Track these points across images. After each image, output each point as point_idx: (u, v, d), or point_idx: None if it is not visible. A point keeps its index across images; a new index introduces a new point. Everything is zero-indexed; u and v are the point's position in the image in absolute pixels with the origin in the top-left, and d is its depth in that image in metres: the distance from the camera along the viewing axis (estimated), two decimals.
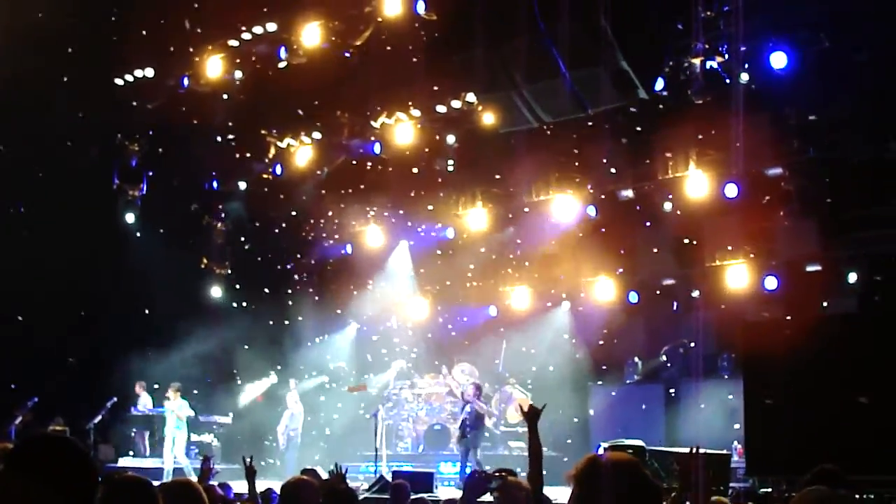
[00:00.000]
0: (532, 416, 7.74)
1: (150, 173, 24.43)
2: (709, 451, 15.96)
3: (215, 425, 24.01)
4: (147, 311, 23.26)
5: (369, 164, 24.21)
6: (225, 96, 22.55)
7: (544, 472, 7.63)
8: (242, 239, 26.28)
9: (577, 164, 22.33)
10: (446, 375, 22.76)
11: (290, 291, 26.45)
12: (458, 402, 21.73)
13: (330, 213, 26.00)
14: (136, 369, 23.68)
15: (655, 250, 22.00)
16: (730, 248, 20.68)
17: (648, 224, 21.97)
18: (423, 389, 24.71)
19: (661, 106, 19.57)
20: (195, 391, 23.88)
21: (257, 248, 26.23)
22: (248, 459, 8.30)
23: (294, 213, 26.03)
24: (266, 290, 25.71)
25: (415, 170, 23.69)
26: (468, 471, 18.58)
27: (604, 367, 23.27)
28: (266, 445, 22.99)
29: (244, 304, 25.41)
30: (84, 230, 22.20)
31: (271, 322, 24.92)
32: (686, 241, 21.35)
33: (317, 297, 26.26)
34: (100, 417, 22.16)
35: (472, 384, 20.30)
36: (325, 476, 14.72)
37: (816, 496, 4.27)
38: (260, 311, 25.01)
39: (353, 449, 23.37)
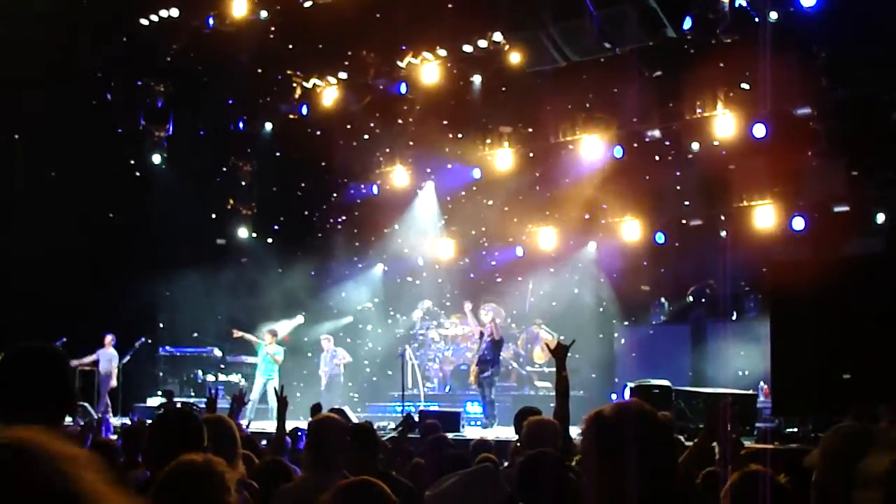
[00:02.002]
0: (560, 352, 7.77)
1: (176, 114, 24.49)
2: (735, 391, 16.09)
3: (243, 365, 24.24)
4: (174, 254, 23.38)
5: (395, 104, 24.13)
6: (250, 36, 22.48)
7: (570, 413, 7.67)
8: (269, 180, 26.34)
9: (603, 104, 22.17)
10: (469, 315, 22.57)
11: (316, 232, 26.53)
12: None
13: (356, 154, 25.97)
14: (164, 311, 23.92)
15: (681, 186, 21.85)
16: (757, 188, 20.56)
17: (675, 164, 21.82)
18: (449, 330, 24.81)
19: (688, 45, 19.38)
20: (222, 332, 24.14)
21: (283, 189, 26.28)
22: (280, 389, 8.35)
23: (320, 154, 26.03)
24: (292, 231, 25.81)
25: (441, 110, 23.59)
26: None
27: (630, 308, 23.28)
28: (295, 385, 23.14)
29: (270, 243, 25.53)
30: (110, 171, 22.34)
31: (298, 262, 25.01)
32: (713, 181, 21.22)
33: (343, 238, 26.32)
34: (128, 357, 22.44)
35: (491, 322, 20.24)
36: (352, 416, 14.92)
37: (847, 432, 4.26)
38: (286, 252, 25.11)
39: (380, 390, 23.59)
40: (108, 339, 22.18)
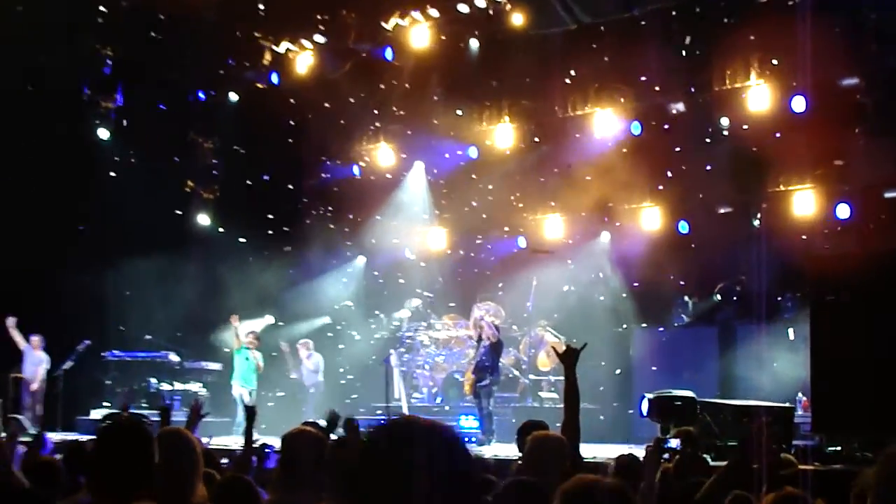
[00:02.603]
0: (569, 357, 7.74)
1: (126, 83, 24.40)
2: (769, 403, 16.11)
3: (203, 373, 24.21)
4: (124, 243, 23.31)
5: (380, 72, 24.08)
6: None
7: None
8: (233, 159, 26.25)
9: (620, 73, 22.15)
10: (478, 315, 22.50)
11: (288, 220, 26.46)
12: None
13: (334, 130, 25.92)
14: (112, 309, 23.84)
15: (709, 167, 21.82)
16: (796, 170, 20.57)
17: (702, 143, 21.79)
18: (440, 333, 24.81)
19: (719, 7, 19.36)
20: (179, 334, 24.09)
21: (250, 169, 26.21)
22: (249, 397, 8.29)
23: (293, 130, 25.97)
24: (260, 218, 25.75)
25: (432, 79, 23.56)
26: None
27: (649, 308, 23.27)
28: (262, 395, 23.12)
29: (234, 231, 25.46)
30: (51, 149, 22.24)
31: (266, 254, 24.96)
32: (746, 162, 21.21)
33: (319, 226, 26.28)
34: (70, 363, 22.37)
35: (488, 324, 20.26)
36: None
37: None
38: (253, 242, 25.06)
39: (362, 399, 23.56)
40: (36, 340, 22.08)
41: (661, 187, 22.57)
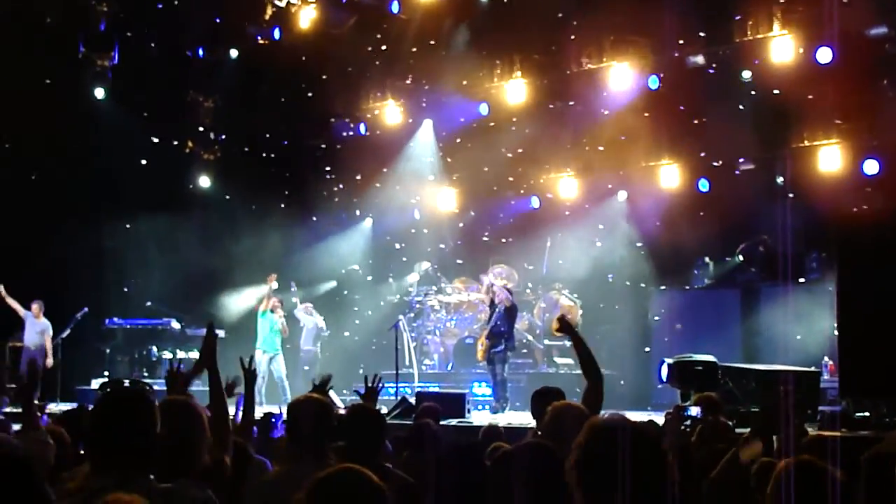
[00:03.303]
0: (565, 331, 7.81)
1: (123, 39, 24.32)
2: (794, 368, 16.08)
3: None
4: (122, 206, 23.31)
5: (386, 26, 23.98)
6: None
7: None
8: (234, 118, 26.20)
9: (636, 24, 22.02)
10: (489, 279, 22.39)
11: (292, 181, 26.43)
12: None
13: (339, 87, 25.85)
14: (111, 275, 23.87)
15: (730, 123, 21.71)
16: (822, 125, 20.46)
17: (723, 97, 21.67)
18: (451, 297, 24.82)
19: None
20: (180, 300, 24.11)
21: (252, 129, 26.16)
22: (248, 360, 8.03)
23: (296, 87, 25.88)
24: (263, 179, 25.71)
25: (441, 33, 23.45)
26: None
27: (668, 269, 23.21)
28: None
29: (236, 193, 25.43)
30: (45, 108, 22.19)
31: (271, 216, 24.94)
32: (769, 117, 21.11)
33: (324, 187, 26.27)
34: (68, 331, 22.40)
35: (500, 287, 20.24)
36: (336, 399, 14.90)
37: None
38: (256, 204, 25.05)
39: (369, 368, 23.53)
40: (37, 306, 22.01)
41: (679, 144, 22.46)
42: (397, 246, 26.16)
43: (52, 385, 22.01)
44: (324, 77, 25.50)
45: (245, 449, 6.71)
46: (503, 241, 24.78)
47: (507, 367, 19.52)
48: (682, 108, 22.00)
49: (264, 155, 26.26)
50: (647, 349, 22.22)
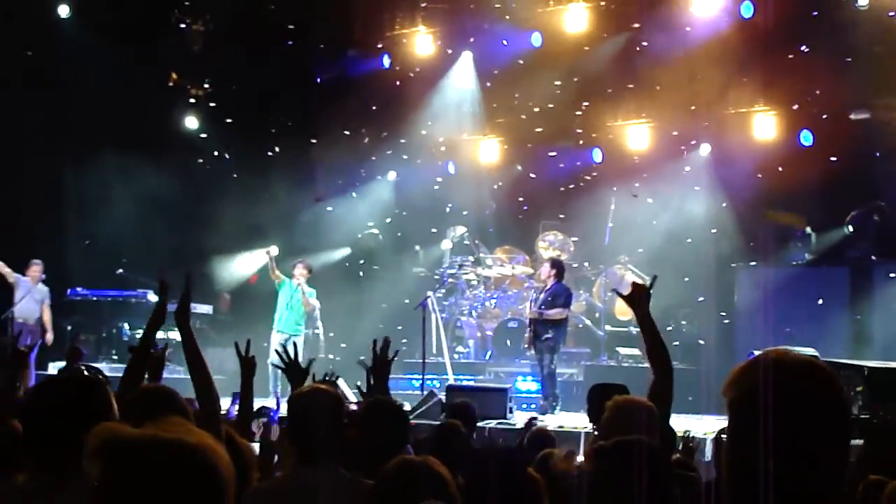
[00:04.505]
0: (637, 299, 7.66)
1: None
2: None
3: (193, 317, 24.27)
4: (90, 150, 23.38)
5: None
6: None
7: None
8: (229, 46, 26.22)
9: None
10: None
11: (298, 124, 26.46)
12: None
13: (357, 10, 25.86)
14: (74, 234, 23.94)
15: (841, 61, 21.64)
16: None
17: (833, 27, 21.58)
18: (491, 270, 24.82)
19: None
20: (157, 265, 24.17)
21: (250, 59, 26.17)
22: (245, 345, 8.04)
23: (303, 9, 25.89)
24: (262, 122, 25.76)
25: None
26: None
27: (759, 241, 23.16)
28: (265, 348, 23.29)
29: (230, 138, 25.50)
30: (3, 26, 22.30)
31: (272, 168, 25.00)
32: (889, 55, 21.00)
33: (338, 133, 26.28)
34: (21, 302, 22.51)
35: (549, 260, 20.26)
36: (347, 391, 14.97)
37: None
38: (254, 153, 25.10)
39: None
40: (36, 267, 22.05)
41: (777, 86, 22.38)
42: (426, 206, 26.12)
43: None
44: None
45: (246, 446, 6.73)
46: (556, 201, 24.74)
47: (557, 357, 19.51)
48: (781, 42, 21.88)
49: (263, 92, 26.24)
50: (733, 338, 22.20)
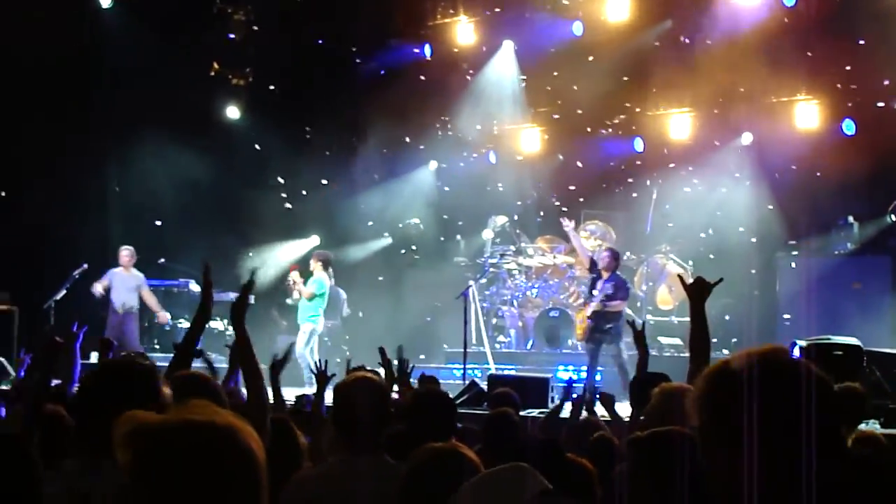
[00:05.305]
0: (699, 291, 7.67)
1: None
2: None
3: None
4: (131, 141, 23.48)
5: None
6: None
7: None
8: (271, 35, 26.28)
9: None
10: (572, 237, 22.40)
11: (340, 114, 26.49)
12: (584, 277, 21.82)
13: None
14: (117, 225, 24.03)
15: (882, 52, 21.55)
16: None
17: (878, 14, 21.47)
18: (533, 259, 24.82)
19: None
20: (199, 255, 24.23)
21: (291, 48, 26.22)
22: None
23: None
24: (304, 111, 25.81)
25: None
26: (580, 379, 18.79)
27: (802, 230, 23.10)
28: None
29: (272, 128, 25.55)
30: (45, 21, 22.37)
31: (313, 158, 25.04)
32: None
33: (379, 123, 26.31)
34: (63, 292, 22.56)
35: (607, 250, 20.30)
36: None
37: None
38: (296, 143, 25.15)
39: (431, 344, 23.65)
40: (126, 253, 22.13)
41: (820, 75, 22.31)
42: (467, 196, 26.13)
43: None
44: None
45: (292, 429, 6.79)
46: (598, 191, 24.73)
47: (623, 348, 19.54)
48: (825, 29, 21.80)
49: (304, 81, 26.30)
50: (775, 328, 22.14)
